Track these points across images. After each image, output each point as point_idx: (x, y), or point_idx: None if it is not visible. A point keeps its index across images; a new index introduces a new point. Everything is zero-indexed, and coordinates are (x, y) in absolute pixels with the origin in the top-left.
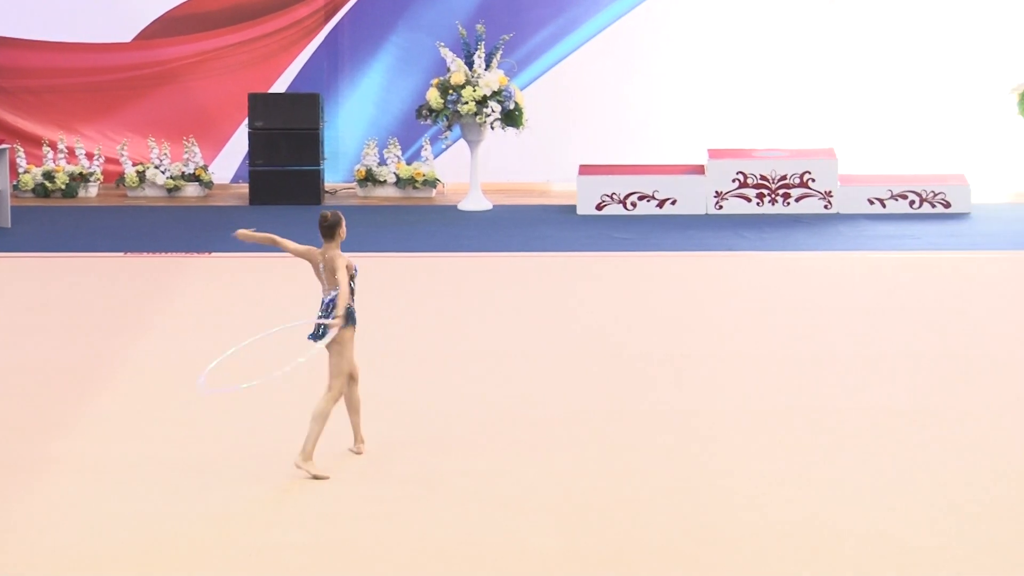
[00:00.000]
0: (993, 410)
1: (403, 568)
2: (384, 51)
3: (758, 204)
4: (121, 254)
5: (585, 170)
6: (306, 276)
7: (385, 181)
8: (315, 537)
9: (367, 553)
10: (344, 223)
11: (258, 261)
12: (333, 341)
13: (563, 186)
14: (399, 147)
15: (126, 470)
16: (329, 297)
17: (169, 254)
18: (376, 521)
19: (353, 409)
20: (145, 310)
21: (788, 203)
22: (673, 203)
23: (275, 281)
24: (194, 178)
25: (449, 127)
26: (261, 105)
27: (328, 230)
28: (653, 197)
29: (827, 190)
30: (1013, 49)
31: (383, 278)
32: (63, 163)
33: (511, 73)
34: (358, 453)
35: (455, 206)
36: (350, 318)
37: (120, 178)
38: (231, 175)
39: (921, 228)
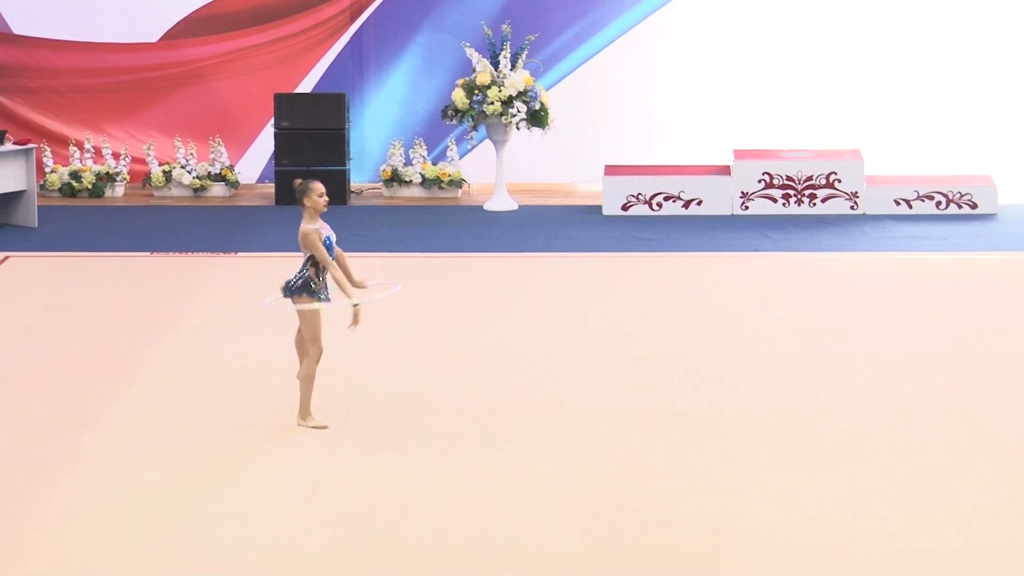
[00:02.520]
0: (1017, 412)
1: (422, 567)
2: (409, 51)
3: (784, 205)
4: (147, 254)
5: (611, 170)
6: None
7: (411, 181)
8: (337, 538)
9: (387, 553)
10: (312, 192)
11: (284, 261)
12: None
13: (589, 186)
14: (425, 147)
15: (152, 468)
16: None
17: (195, 254)
18: (395, 520)
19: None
20: (171, 310)
21: (814, 204)
22: (699, 204)
23: None
24: (220, 178)
25: (475, 127)
26: (287, 105)
27: (297, 199)
28: (679, 198)
29: (853, 191)
30: None
31: (408, 277)
32: (90, 163)
33: (536, 73)
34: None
35: (481, 206)
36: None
37: (146, 178)
38: (257, 175)
39: (947, 229)
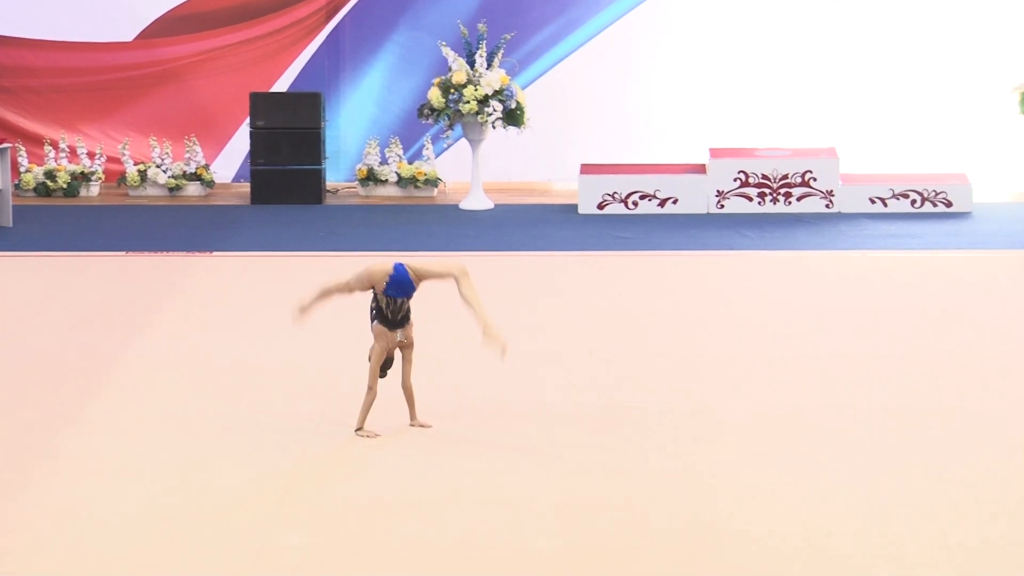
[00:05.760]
0: (994, 409)
1: (399, 567)
2: (385, 50)
3: (759, 203)
4: (123, 253)
5: (586, 169)
6: (304, 276)
7: (387, 180)
8: (316, 536)
9: (363, 553)
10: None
11: (260, 261)
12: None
13: (565, 185)
14: (401, 146)
15: (128, 468)
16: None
17: (171, 253)
18: (372, 520)
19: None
20: (147, 309)
21: (790, 202)
22: (674, 202)
23: (277, 280)
24: (196, 177)
25: (451, 126)
26: (262, 104)
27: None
28: (655, 196)
29: (829, 189)
30: (1014, 48)
31: None
32: (65, 162)
33: (512, 72)
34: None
35: (456, 205)
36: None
37: (122, 177)
38: (232, 174)
39: (923, 227)
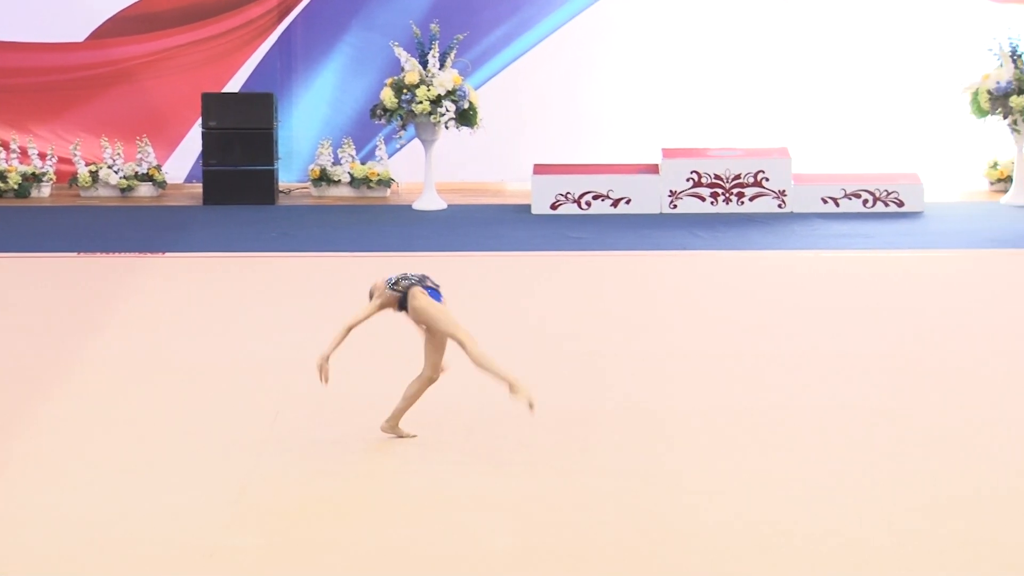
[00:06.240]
0: (947, 408)
1: (353, 568)
2: (338, 51)
3: (712, 203)
4: (75, 254)
5: (540, 169)
6: (257, 277)
7: (339, 181)
8: (268, 537)
9: (318, 554)
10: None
11: (213, 261)
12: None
13: (518, 185)
14: (353, 147)
15: (81, 470)
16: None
17: (123, 254)
18: (327, 521)
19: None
20: (99, 310)
21: (742, 202)
22: (627, 202)
23: (229, 280)
24: (147, 178)
25: (403, 126)
26: (214, 105)
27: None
28: (607, 196)
29: (781, 189)
30: (965, 49)
31: (337, 278)
32: (15, 163)
33: (465, 73)
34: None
35: (410, 206)
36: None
37: (73, 178)
38: (185, 175)
39: (874, 227)
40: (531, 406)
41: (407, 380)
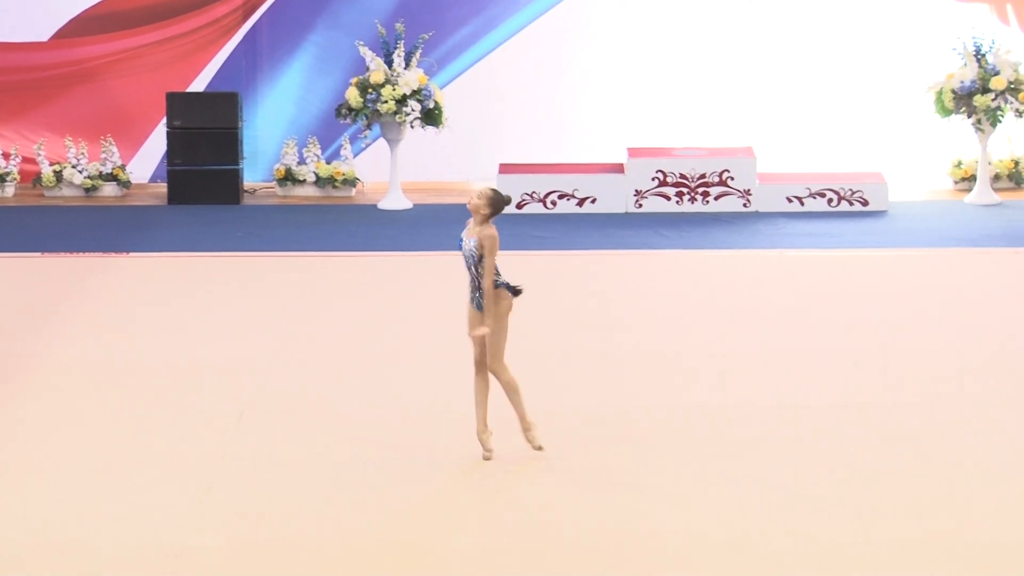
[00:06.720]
0: (913, 406)
1: (318, 568)
2: (303, 50)
3: (677, 203)
4: (39, 254)
5: (505, 169)
6: (222, 276)
7: (304, 180)
8: (234, 537)
9: (283, 554)
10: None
11: (177, 261)
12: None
13: (483, 185)
14: (318, 146)
15: (44, 470)
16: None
17: (87, 254)
18: (291, 521)
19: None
20: (63, 310)
21: (707, 201)
22: (593, 202)
23: (194, 280)
24: (112, 178)
25: (369, 126)
26: (179, 104)
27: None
28: (573, 196)
29: (746, 188)
30: (929, 47)
31: (302, 278)
32: None
33: (430, 72)
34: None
35: (375, 205)
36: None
37: (37, 178)
38: (149, 175)
39: (839, 226)
40: (539, 447)
41: (374, 387)
